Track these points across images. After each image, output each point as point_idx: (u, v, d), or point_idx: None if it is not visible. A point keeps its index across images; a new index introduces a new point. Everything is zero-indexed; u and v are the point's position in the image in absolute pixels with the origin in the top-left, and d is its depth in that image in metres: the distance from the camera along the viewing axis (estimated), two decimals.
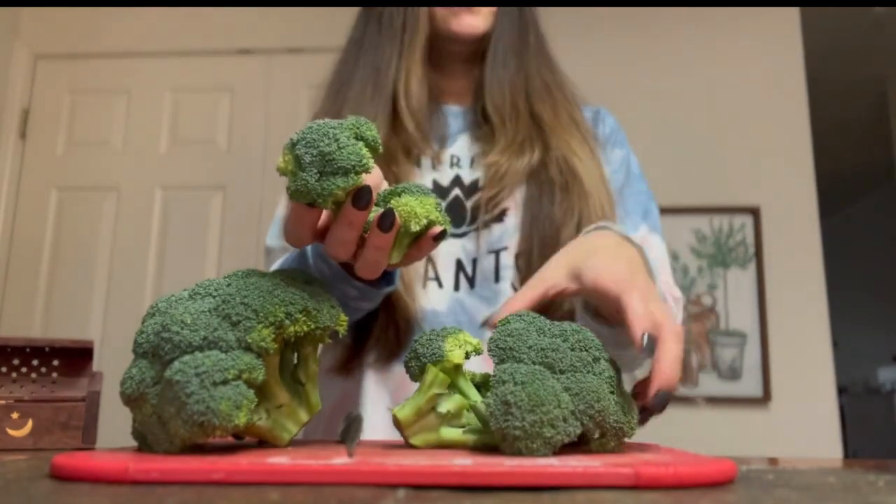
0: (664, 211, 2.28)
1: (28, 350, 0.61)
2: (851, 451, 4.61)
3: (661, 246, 0.85)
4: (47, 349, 0.62)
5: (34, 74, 2.55)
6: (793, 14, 2.41)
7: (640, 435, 0.52)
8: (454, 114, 0.90)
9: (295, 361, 0.46)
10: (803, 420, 2.13)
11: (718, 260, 2.26)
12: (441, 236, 0.50)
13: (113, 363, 1.70)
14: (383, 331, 0.77)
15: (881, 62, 3.46)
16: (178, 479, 0.33)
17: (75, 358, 0.62)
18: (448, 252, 0.80)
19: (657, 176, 2.33)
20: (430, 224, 0.49)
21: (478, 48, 0.87)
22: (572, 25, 2.44)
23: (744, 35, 2.41)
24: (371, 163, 0.45)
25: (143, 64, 2.55)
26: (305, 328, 0.43)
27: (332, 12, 2.45)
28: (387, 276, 0.66)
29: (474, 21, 0.83)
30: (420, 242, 0.50)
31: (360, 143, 0.44)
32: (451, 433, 0.46)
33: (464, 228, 0.81)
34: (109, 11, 2.58)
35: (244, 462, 0.34)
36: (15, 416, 0.57)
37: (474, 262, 0.80)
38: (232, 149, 2.46)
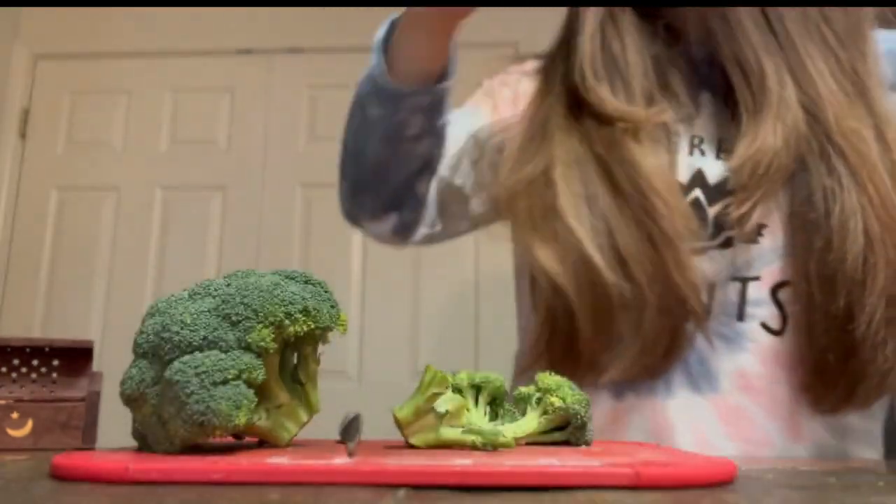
0: None
1: (28, 350, 0.61)
2: None
3: None
4: (47, 349, 0.62)
5: (34, 74, 2.55)
6: None
7: (640, 435, 0.52)
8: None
9: (295, 361, 0.46)
10: None
11: None
12: None
13: (113, 363, 1.69)
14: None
15: None
16: (178, 479, 0.33)
17: (75, 358, 0.62)
18: None
19: None
20: None
21: None
22: None
23: None
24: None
25: (143, 64, 2.54)
26: (305, 328, 0.43)
27: (332, 12, 2.44)
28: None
29: None
30: None
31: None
32: (450, 433, 0.46)
33: (703, 244, 0.60)
34: (109, 11, 2.57)
35: (244, 462, 0.34)
36: (15, 416, 0.57)
37: (712, 288, 0.60)
38: (232, 149, 2.46)
